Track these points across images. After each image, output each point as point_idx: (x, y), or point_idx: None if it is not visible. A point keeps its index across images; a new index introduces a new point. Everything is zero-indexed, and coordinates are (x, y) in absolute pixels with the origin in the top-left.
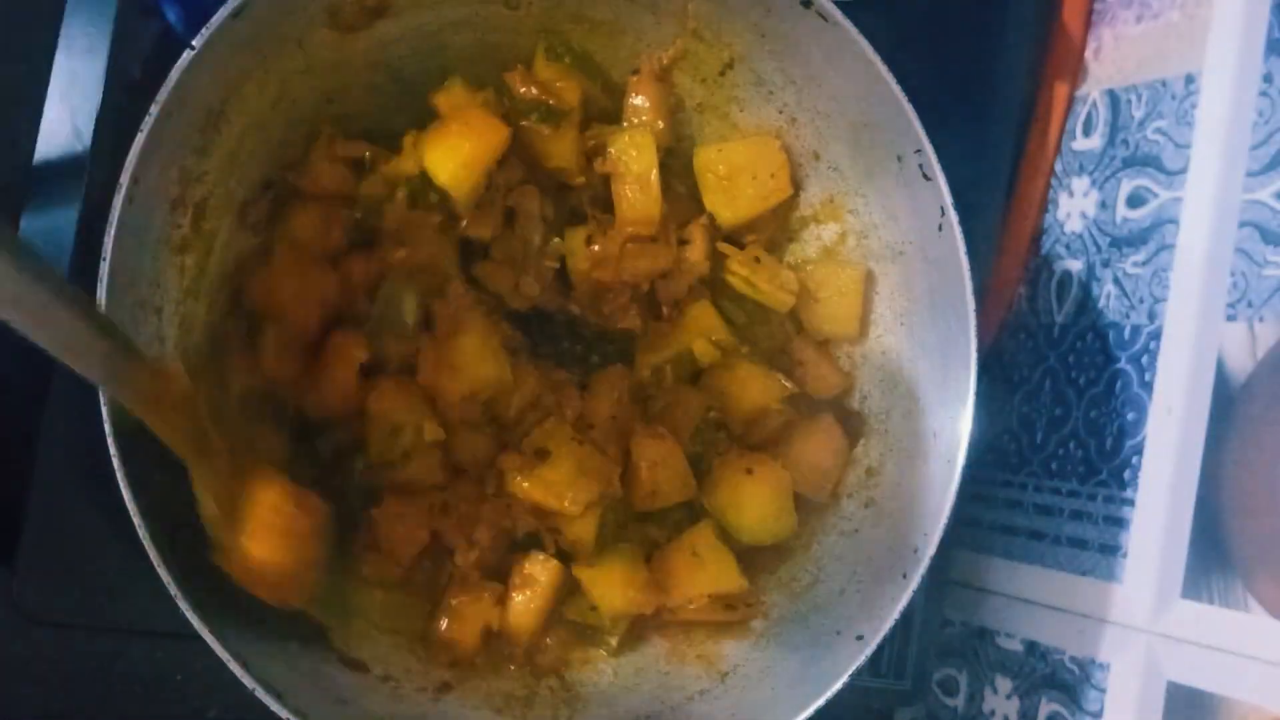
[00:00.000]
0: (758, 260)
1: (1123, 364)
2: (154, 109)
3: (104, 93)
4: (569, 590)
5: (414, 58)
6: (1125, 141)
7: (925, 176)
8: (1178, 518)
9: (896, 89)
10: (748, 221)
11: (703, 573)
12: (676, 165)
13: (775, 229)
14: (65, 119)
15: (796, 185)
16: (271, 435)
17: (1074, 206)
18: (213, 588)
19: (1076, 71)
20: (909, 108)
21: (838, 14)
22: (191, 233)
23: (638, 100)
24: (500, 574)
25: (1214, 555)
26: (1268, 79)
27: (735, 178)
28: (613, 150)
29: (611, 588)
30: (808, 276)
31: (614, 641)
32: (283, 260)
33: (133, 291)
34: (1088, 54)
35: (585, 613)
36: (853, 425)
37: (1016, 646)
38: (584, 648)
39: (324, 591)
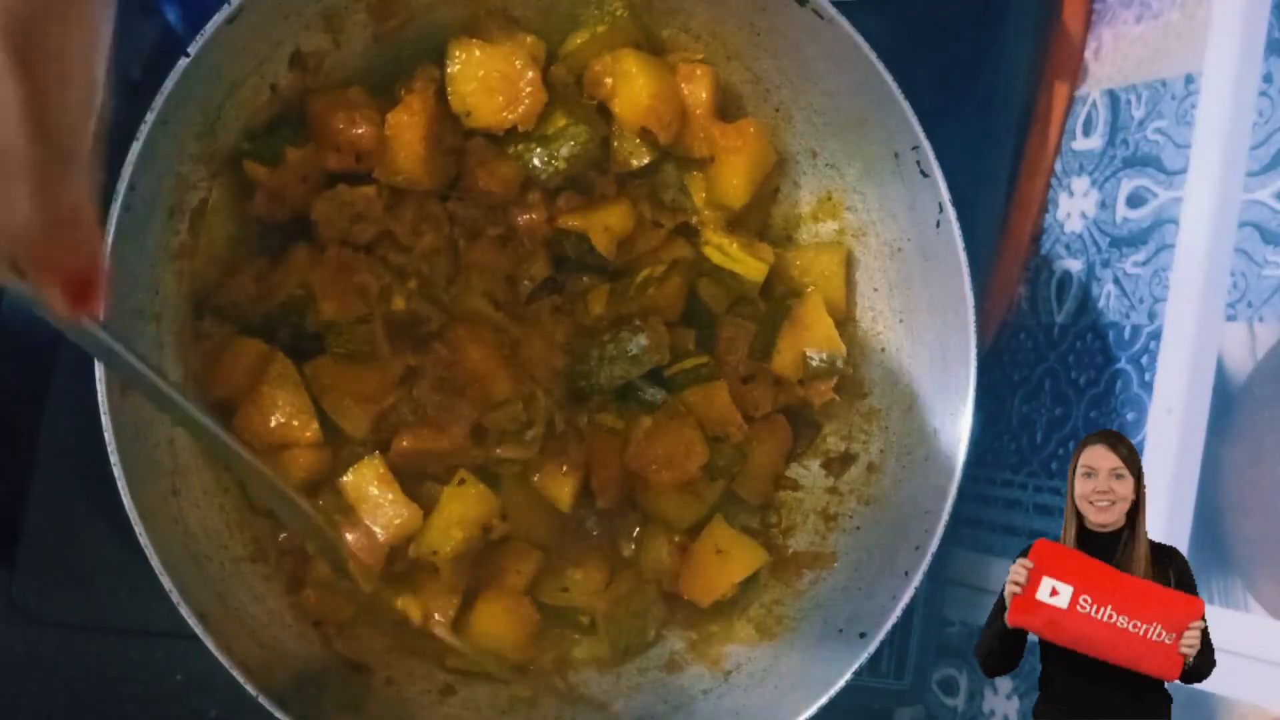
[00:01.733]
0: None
1: (1123, 364)
2: (150, 116)
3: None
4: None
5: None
6: (1125, 141)
7: (923, 173)
8: (1178, 517)
9: (893, 86)
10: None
11: (732, 564)
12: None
13: (761, 220)
14: None
15: (793, 181)
16: None
17: (1074, 206)
18: (213, 591)
19: (1076, 71)
20: (905, 104)
21: (833, 11)
22: (189, 239)
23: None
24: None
25: (1214, 555)
26: (1267, 79)
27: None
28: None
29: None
30: (790, 265)
31: (586, 621)
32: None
33: (131, 299)
34: (1088, 54)
35: (556, 594)
36: (809, 430)
37: None
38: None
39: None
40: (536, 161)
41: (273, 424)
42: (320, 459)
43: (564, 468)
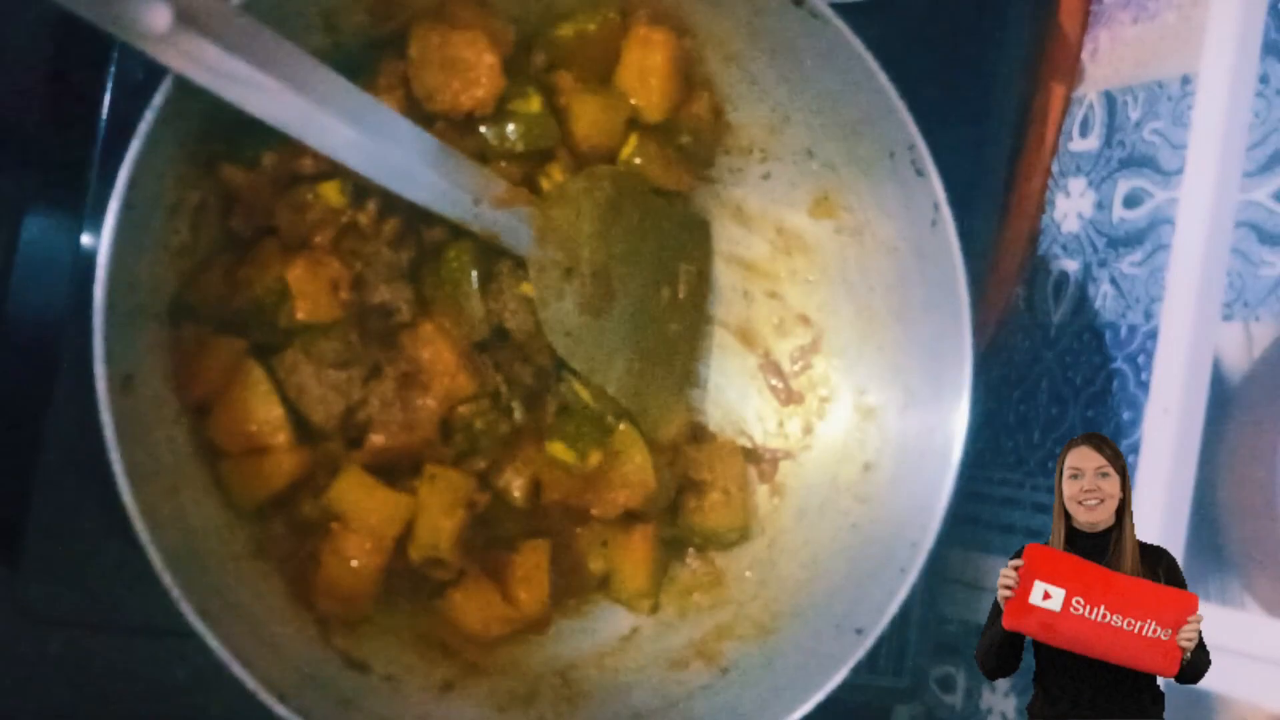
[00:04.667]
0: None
1: (1119, 364)
2: (149, 115)
3: (108, 95)
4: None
5: None
6: (1122, 142)
7: (918, 172)
8: (1174, 517)
9: (888, 85)
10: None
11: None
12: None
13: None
14: (67, 122)
15: (790, 181)
16: None
17: (1071, 207)
18: (214, 588)
19: (1073, 73)
20: (900, 104)
21: (829, 12)
22: (190, 238)
23: None
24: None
25: (1211, 554)
26: (1264, 80)
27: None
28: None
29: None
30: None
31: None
32: None
33: (131, 297)
34: (1084, 55)
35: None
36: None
37: None
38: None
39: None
40: (492, 137)
41: (246, 430)
42: (297, 463)
43: (517, 464)
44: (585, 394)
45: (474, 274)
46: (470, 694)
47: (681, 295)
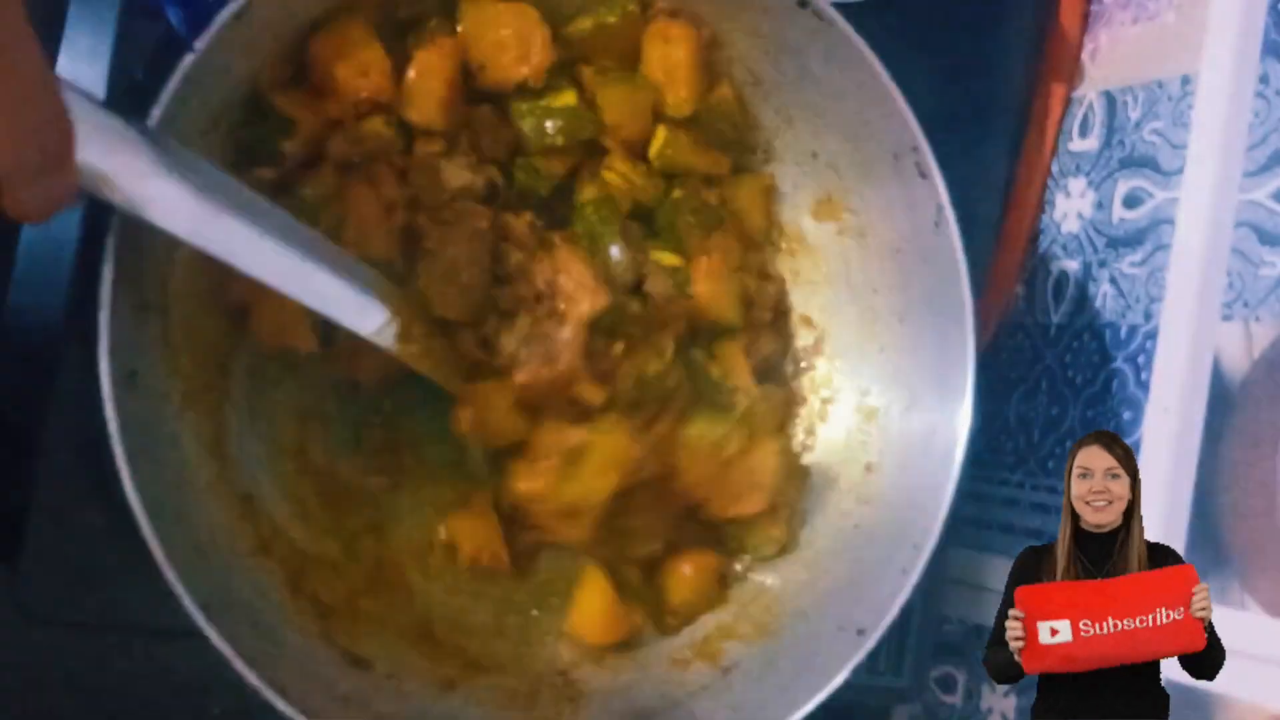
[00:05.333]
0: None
1: (1119, 364)
2: (155, 111)
3: (106, 95)
4: None
5: None
6: (1122, 142)
7: (921, 174)
8: (1174, 516)
9: (892, 87)
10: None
11: None
12: None
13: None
14: None
15: (793, 183)
16: None
17: (1071, 207)
18: (217, 585)
19: (1073, 73)
20: (905, 106)
21: (834, 14)
22: None
23: None
24: None
25: (1211, 554)
26: (1264, 80)
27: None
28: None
29: None
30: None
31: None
32: None
33: (135, 293)
34: (1084, 55)
35: None
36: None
37: None
38: None
39: None
40: (530, 131)
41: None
42: None
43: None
44: (717, 372)
45: (614, 228)
46: (471, 692)
47: None
